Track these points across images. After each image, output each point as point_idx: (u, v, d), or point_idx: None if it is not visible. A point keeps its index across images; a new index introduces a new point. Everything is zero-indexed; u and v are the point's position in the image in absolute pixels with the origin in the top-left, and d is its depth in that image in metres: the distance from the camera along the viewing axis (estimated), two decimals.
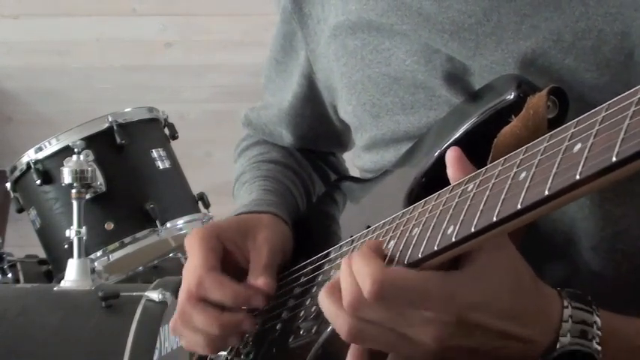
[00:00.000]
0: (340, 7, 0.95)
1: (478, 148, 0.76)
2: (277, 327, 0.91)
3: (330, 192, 1.08)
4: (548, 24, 0.81)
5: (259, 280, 0.90)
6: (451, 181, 0.73)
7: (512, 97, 0.76)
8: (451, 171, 0.74)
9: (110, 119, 2.31)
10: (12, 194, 2.40)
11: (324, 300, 0.73)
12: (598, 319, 0.71)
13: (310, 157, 1.17)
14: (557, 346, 0.69)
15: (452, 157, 0.74)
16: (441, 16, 0.85)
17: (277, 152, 1.15)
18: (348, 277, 0.71)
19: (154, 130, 2.47)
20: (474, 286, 0.68)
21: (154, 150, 2.41)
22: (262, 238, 0.93)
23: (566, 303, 0.71)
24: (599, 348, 0.69)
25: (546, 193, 0.59)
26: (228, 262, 0.92)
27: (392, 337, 0.70)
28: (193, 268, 0.89)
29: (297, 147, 1.16)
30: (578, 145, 0.58)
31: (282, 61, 1.09)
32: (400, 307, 0.69)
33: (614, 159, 0.54)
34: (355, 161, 1.04)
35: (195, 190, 2.49)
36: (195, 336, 0.90)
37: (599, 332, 0.70)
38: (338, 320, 0.72)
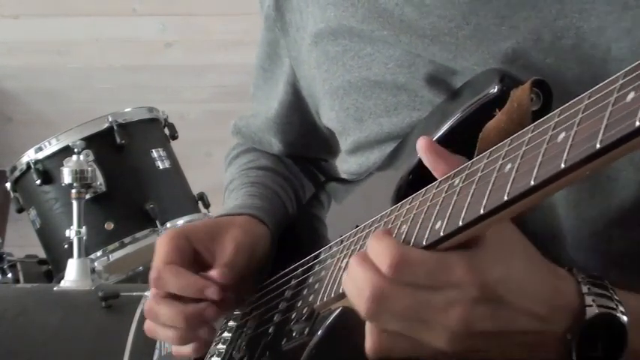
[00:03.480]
0: (318, 15, 0.95)
1: (464, 143, 0.75)
2: (270, 330, 0.90)
3: (319, 194, 1.08)
4: (527, 24, 0.81)
5: (214, 271, 0.91)
6: (431, 171, 0.73)
7: (495, 90, 0.76)
8: (427, 161, 0.73)
9: (110, 119, 2.32)
10: (12, 194, 2.40)
11: (355, 271, 0.69)
12: (615, 295, 0.70)
13: (301, 162, 1.17)
14: (586, 317, 0.68)
15: (422, 146, 0.74)
16: (422, 21, 0.85)
17: (267, 159, 1.15)
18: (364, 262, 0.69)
19: (154, 130, 2.47)
20: (494, 260, 0.67)
21: (153, 150, 2.41)
22: (229, 237, 0.95)
23: (580, 279, 0.71)
24: (625, 318, 0.69)
25: (532, 183, 0.59)
26: (199, 263, 0.94)
27: (414, 328, 0.68)
28: (154, 264, 0.92)
29: (287, 154, 1.16)
30: (562, 134, 0.58)
31: (268, 68, 1.09)
32: (422, 287, 0.66)
33: (598, 146, 0.54)
34: (341, 165, 1.04)
35: (195, 190, 2.49)
36: (166, 331, 0.93)
37: (620, 305, 0.69)
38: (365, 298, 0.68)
